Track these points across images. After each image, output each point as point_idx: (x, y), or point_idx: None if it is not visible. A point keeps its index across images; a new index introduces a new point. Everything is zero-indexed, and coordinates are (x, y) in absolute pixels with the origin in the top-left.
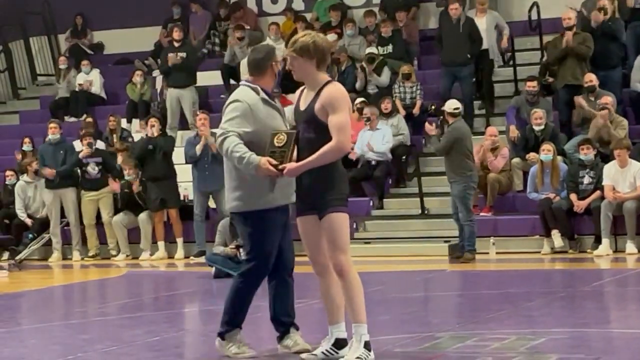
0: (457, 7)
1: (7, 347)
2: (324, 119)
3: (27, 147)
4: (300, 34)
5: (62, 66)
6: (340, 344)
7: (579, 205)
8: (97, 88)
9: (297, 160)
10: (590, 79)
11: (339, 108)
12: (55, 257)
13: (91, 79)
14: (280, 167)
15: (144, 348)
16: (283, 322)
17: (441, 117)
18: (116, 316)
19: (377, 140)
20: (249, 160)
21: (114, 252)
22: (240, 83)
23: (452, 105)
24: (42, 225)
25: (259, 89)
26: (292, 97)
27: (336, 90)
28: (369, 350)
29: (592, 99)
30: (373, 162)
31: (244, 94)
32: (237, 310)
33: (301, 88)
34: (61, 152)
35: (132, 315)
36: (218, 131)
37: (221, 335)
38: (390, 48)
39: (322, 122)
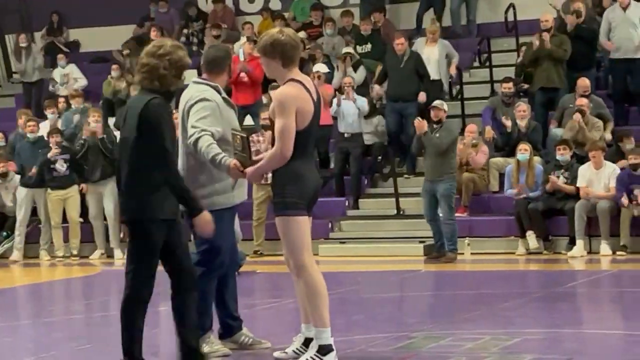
0: (403, 42)
1: None
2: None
3: (0, 142)
4: (265, 32)
5: (23, 44)
6: (310, 343)
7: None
8: (77, 82)
9: None
10: (585, 86)
11: (283, 112)
12: (16, 256)
13: (68, 72)
14: (243, 170)
15: (117, 346)
16: (235, 317)
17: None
18: (90, 314)
19: (349, 109)
20: (222, 162)
21: (75, 252)
22: (195, 80)
23: (443, 103)
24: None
25: (219, 87)
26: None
27: (283, 92)
28: (323, 355)
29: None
30: (346, 135)
31: (210, 93)
32: (203, 313)
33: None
34: (39, 150)
35: (105, 313)
36: (190, 130)
37: None
38: (369, 47)
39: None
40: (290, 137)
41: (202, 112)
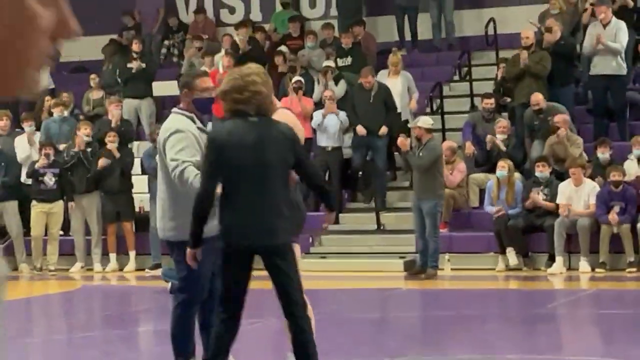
0: (370, 80)
1: None
2: None
3: None
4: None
5: None
6: None
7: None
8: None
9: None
10: (537, 100)
11: None
12: None
13: None
14: None
15: None
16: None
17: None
18: (72, 335)
19: (331, 122)
20: None
21: (52, 267)
22: (173, 110)
23: (427, 121)
24: None
25: (194, 117)
26: None
27: None
28: None
29: (542, 116)
30: (328, 148)
31: (184, 124)
32: (186, 339)
33: None
34: (2, 163)
35: (87, 334)
36: (171, 163)
37: None
38: (349, 60)
39: None
40: None
41: (180, 144)
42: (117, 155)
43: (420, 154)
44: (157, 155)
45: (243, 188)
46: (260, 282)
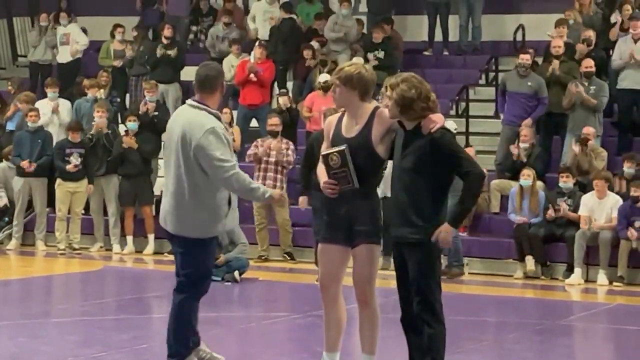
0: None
1: None
2: (377, 145)
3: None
4: (347, 63)
5: (43, 23)
6: None
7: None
8: (77, 44)
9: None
10: (590, 64)
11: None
12: (13, 245)
13: (68, 32)
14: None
15: (132, 356)
16: (196, 333)
17: None
18: (100, 317)
19: None
20: (264, 190)
21: (76, 247)
22: (192, 104)
23: (451, 126)
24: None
25: (220, 115)
26: None
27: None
28: None
29: (586, 84)
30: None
31: (217, 123)
32: (186, 334)
33: (338, 115)
34: (39, 140)
35: (116, 317)
36: (217, 163)
37: None
38: (381, 54)
39: (372, 148)
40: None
41: (221, 145)
42: (135, 146)
43: None
44: (180, 151)
45: None
46: (279, 274)
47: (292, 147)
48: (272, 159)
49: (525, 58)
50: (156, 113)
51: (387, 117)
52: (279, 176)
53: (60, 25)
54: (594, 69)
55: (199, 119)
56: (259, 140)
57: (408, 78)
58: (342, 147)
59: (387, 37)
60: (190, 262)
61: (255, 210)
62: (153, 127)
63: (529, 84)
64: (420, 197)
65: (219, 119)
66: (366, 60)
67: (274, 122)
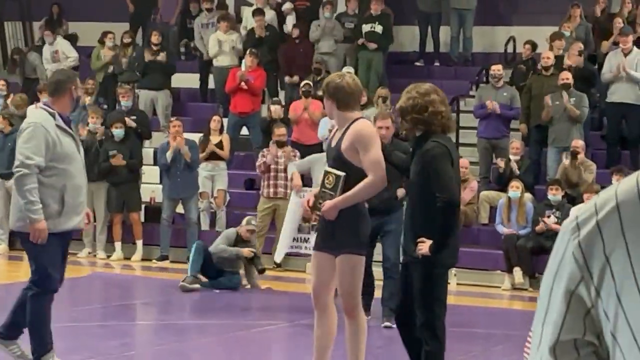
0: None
1: None
2: (349, 157)
3: None
4: (334, 74)
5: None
6: None
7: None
8: (67, 59)
9: None
10: (567, 76)
11: (369, 144)
12: (1, 249)
13: (57, 49)
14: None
15: None
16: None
17: None
18: (88, 323)
19: None
20: (37, 209)
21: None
22: (39, 105)
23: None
24: None
25: (56, 114)
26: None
27: (363, 127)
28: None
29: (567, 96)
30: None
31: (43, 118)
32: (45, 331)
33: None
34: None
35: (104, 323)
36: (18, 156)
37: None
38: (380, 28)
39: (348, 160)
40: (383, 167)
41: (31, 140)
42: (123, 164)
43: None
44: None
45: None
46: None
47: (298, 154)
48: (282, 167)
49: (496, 69)
50: (134, 117)
51: (357, 131)
52: (289, 183)
53: (46, 44)
54: (571, 81)
55: (30, 116)
56: (264, 149)
57: (410, 89)
58: (341, 174)
59: (386, 13)
60: (33, 259)
61: (260, 217)
62: (137, 133)
63: (504, 94)
64: (421, 211)
65: (53, 117)
66: (360, 33)
67: (281, 132)
